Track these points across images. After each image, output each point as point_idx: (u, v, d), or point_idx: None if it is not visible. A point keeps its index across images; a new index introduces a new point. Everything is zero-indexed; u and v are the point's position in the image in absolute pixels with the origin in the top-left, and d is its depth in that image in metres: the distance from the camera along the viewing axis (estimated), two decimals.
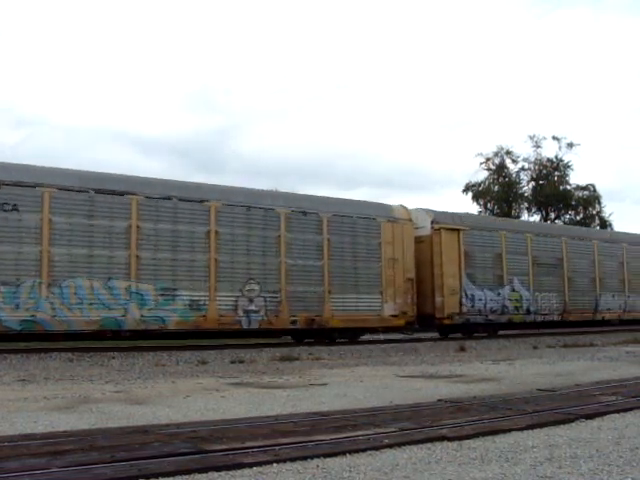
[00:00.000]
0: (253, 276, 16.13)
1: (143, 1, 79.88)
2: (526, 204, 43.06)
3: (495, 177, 42.83)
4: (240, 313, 15.84)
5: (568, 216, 42.84)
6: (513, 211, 42.37)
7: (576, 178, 44.33)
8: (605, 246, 24.88)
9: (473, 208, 42.04)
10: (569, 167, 42.48)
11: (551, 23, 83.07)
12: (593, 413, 5.98)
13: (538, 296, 22.09)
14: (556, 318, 22.66)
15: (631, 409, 6.31)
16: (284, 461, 4.09)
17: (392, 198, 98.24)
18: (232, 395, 7.68)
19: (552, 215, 42.79)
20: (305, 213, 17.21)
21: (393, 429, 5.09)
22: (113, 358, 13.05)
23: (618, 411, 6.17)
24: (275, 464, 4.04)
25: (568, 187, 42.67)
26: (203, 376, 10.03)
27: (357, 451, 4.39)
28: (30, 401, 7.14)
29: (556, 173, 42.91)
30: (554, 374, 10.11)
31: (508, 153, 42.74)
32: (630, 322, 25.51)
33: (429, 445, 4.64)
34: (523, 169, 43.34)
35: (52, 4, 77.90)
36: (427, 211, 20.27)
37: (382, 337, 19.68)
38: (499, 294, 20.91)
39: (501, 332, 21.76)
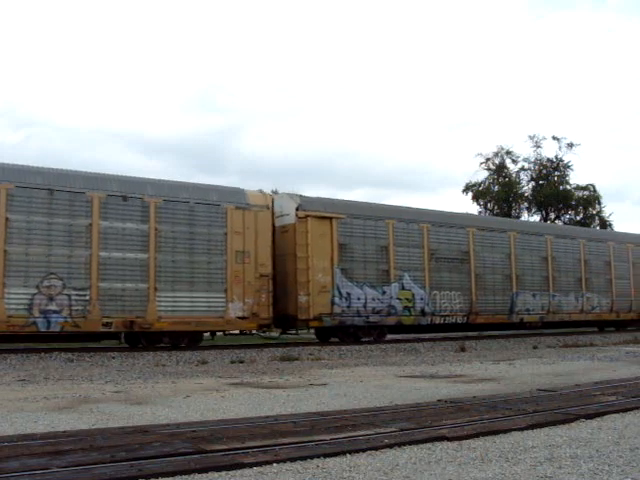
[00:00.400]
0: (54, 270, 13.81)
1: (145, 2, 79.88)
2: (526, 204, 43.05)
3: (495, 177, 42.82)
4: (36, 313, 13.52)
5: (568, 216, 42.85)
6: (513, 211, 42.36)
7: (576, 178, 44.37)
8: (525, 239, 21.80)
9: (473, 208, 42.09)
10: (569, 167, 42.49)
11: (551, 24, 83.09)
12: (593, 413, 5.97)
13: (437, 295, 19.07)
14: (460, 320, 19.58)
15: (631, 409, 6.31)
16: (284, 461, 4.09)
17: (392, 198, 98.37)
18: (232, 395, 7.68)
19: (552, 215, 42.79)
20: (125, 198, 14.70)
21: (393, 429, 5.09)
22: (113, 358, 13.06)
23: (618, 411, 6.17)
24: (275, 464, 4.04)
25: (568, 187, 42.65)
26: (203, 376, 10.03)
27: (357, 451, 4.39)
28: (30, 401, 7.14)
29: (556, 173, 42.89)
30: (554, 374, 10.11)
31: (508, 153, 42.75)
32: (556, 325, 23.16)
33: (429, 445, 4.64)
34: (523, 169, 43.35)
35: (53, 5, 77.89)
36: (292, 196, 17.63)
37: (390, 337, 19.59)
38: (384, 292, 18.01)
39: (392, 337, 19.31)
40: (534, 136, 42.44)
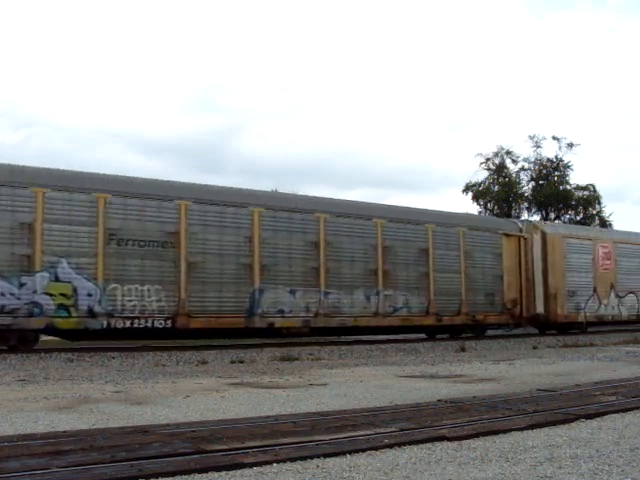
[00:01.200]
0: None
1: (145, 2, 79.96)
2: (526, 204, 43.06)
3: (495, 177, 42.81)
4: None
5: (568, 216, 42.86)
6: (513, 211, 42.37)
7: (576, 178, 44.34)
8: (279, 217, 16.58)
9: (473, 208, 42.09)
10: (569, 167, 42.47)
11: (551, 24, 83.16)
12: (593, 413, 5.97)
13: (118, 290, 14.44)
14: (161, 324, 14.89)
15: (631, 409, 6.31)
16: (284, 461, 4.09)
17: (392, 198, 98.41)
18: (232, 395, 7.68)
19: (552, 215, 42.79)
20: None
21: (393, 429, 5.08)
22: (113, 358, 13.06)
23: (618, 411, 6.17)
24: (275, 464, 4.04)
25: (568, 187, 42.65)
26: (203, 376, 10.03)
27: (357, 451, 4.39)
28: (30, 401, 7.13)
29: (556, 173, 42.89)
30: (554, 374, 10.12)
31: (508, 153, 42.73)
32: (331, 331, 17.89)
33: (429, 445, 4.63)
34: (523, 169, 43.33)
35: (53, 5, 77.96)
36: None
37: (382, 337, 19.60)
38: (23, 285, 13.49)
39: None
40: (534, 136, 42.45)
